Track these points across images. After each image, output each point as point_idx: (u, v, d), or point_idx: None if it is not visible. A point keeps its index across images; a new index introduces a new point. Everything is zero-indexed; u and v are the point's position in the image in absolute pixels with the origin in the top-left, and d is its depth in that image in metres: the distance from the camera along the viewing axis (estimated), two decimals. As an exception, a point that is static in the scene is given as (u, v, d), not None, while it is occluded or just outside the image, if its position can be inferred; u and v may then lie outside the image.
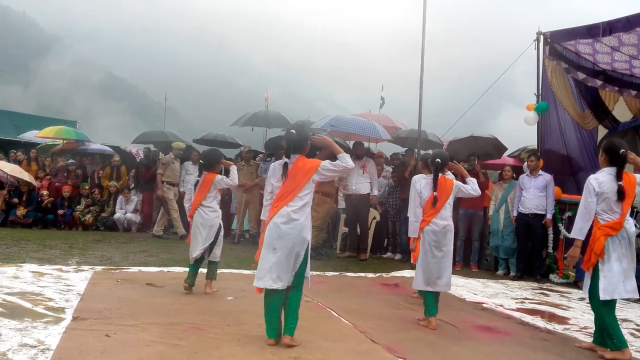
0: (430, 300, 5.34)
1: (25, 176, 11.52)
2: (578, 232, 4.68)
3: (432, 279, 5.36)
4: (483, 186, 9.52)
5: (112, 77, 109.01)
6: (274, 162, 4.59)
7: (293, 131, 4.46)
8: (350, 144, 11.06)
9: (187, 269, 6.11)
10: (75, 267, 7.04)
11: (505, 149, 10.71)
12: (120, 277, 6.59)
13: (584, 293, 4.83)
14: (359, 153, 9.87)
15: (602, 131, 9.62)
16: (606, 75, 9.11)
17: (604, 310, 4.60)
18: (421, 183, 5.49)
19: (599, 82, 9.11)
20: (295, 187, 4.29)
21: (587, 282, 4.71)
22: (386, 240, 10.59)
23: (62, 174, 12.43)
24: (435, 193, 5.35)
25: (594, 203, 4.60)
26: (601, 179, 4.65)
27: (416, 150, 9.67)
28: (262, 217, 4.47)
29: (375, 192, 9.78)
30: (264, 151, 12.35)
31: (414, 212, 5.48)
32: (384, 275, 8.06)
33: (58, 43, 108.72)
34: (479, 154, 9.92)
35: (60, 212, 11.67)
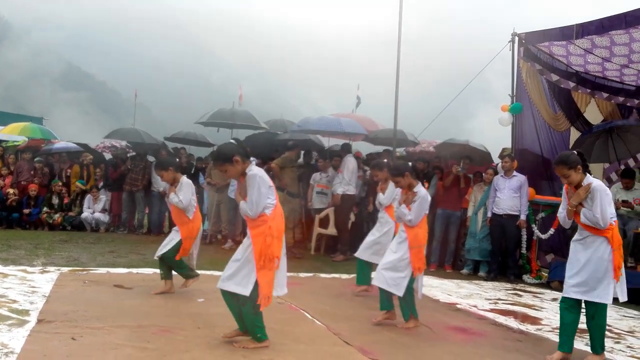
0: None
1: None
2: None
3: None
4: (463, 192, 9.57)
5: (77, 71, 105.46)
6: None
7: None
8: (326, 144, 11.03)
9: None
10: (41, 268, 6.83)
11: (491, 160, 10.66)
12: (88, 278, 6.41)
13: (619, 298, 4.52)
14: (334, 164, 10.03)
15: (574, 133, 9.73)
16: (579, 77, 9.22)
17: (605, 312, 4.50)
18: None
19: (571, 84, 9.21)
20: None
21: (621, 287, 4.50)
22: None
23: (28, 172, 12.09)
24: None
25: None
26: None
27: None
28: None
29: (339, 190, 9.66)
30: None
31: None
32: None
33: (15, 31, 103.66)
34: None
35: (26, 211, 11.36)
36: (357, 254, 6.69)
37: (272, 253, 4.09)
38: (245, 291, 4.08)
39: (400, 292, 5.25)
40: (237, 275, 4.13)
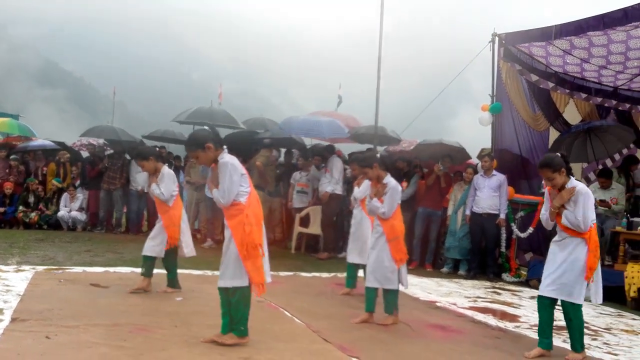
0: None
1: None
2: None
3: None
4: (444, 191, 9.59)
5: (55, 67, 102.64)
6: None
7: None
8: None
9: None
10: (16, 267, 6.69)
11: (468, 157, 10.69)
12: (63, 277, 6.29)
13: (594, 299, 4.60)
14: (315, 163, 10.15)
15: (553, 133, 9.81)
16: (558, 77, 9.31)
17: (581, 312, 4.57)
18: None
19: (550, 84, 9.30)
20: None
21: (595, 288, 4.58)
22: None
23: (4, 170, 11.86)
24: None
25: None
26: None
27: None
28: None
29: (328, 189, 9.64)
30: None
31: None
32: (339, 275, 7.98)
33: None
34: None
35: (1, 209, 11.13)
36: (346, 257, 6.72)
37: (254, 241, 4.04)
38: (243, 282, 4.06)
39: (394, 285, 5.26)
40: (228, 269, 4.10)
